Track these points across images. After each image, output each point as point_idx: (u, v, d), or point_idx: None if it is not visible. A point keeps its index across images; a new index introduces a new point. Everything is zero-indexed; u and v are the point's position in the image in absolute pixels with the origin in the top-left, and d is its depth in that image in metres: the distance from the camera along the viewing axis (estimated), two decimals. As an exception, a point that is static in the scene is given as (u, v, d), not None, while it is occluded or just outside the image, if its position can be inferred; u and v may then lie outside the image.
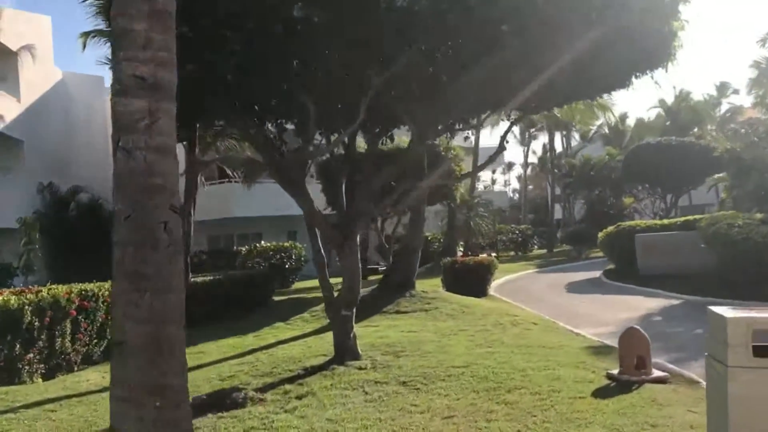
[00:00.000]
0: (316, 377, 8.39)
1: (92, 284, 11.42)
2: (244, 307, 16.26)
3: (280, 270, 27.41)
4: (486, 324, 12.48)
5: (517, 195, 79.48)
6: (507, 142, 10.39)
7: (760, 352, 4.25)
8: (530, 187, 77.29)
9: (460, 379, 7.78)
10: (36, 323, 9.73)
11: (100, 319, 11.30)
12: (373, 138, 9.72)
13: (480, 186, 75.93)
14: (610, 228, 22.80)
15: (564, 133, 64.88)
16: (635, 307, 15.11)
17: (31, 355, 9.80)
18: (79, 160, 30.27)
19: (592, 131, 65.38)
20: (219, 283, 16.47)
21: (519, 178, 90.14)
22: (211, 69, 6.86)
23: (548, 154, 48.14)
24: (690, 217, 21.95)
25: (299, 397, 7.49)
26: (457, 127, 9.65)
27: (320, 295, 18.80)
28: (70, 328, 10.61)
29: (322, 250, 9.44)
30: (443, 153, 20.12)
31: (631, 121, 60.27)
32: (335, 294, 9.42)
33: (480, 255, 40.89)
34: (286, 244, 28.04)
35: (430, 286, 19.89)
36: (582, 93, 9.31)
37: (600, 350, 9.79)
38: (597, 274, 23.24)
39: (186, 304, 4.84)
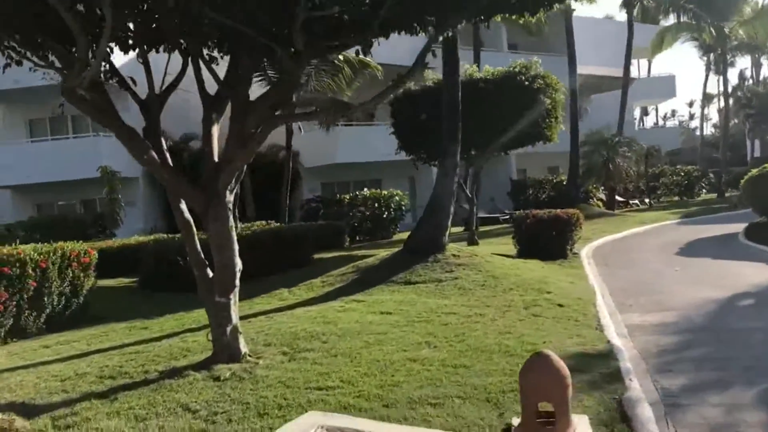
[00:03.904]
0: (146, 390, 6.27)
1: (19, 247, 10.09)
2: (270, 269, 14.24)
3: (379, 220, 25.39)
4: (492, 304, 9.53)
5: (717, 131, 70.14)
6: (427, 63, 7.25)
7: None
8: (735, 121, 68.18)
9: (291, 414, 5.28)
10: None
11: (31, 287, 9.95)
12: (234, 62, 7.13)
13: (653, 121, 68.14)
14: (754, 171, 17.87)
15: (757, 56, 55.82)
16: (739, 281, 11.11)
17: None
18: (196, 105, 29.96)
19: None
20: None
21: (720, 111, 79.60)
22: None
23: (719, 80, 40.73)
24: None
25: (68, 427, 5.43)
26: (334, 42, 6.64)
27: (373, 253, 16.56)
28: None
29: (185, 213, 7.17)
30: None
31: None
32: (209, 272, 7.11)
33: (631, 201, 36.17)
34: (385, 192, 25.84)
35: (504, 247, 16.88)
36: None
37: (590, 362, 6.61)
38: (741, 228, 18.53)
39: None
